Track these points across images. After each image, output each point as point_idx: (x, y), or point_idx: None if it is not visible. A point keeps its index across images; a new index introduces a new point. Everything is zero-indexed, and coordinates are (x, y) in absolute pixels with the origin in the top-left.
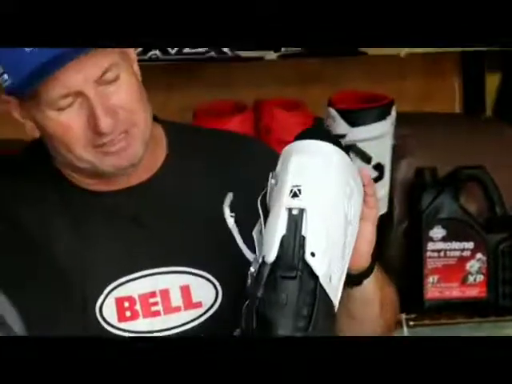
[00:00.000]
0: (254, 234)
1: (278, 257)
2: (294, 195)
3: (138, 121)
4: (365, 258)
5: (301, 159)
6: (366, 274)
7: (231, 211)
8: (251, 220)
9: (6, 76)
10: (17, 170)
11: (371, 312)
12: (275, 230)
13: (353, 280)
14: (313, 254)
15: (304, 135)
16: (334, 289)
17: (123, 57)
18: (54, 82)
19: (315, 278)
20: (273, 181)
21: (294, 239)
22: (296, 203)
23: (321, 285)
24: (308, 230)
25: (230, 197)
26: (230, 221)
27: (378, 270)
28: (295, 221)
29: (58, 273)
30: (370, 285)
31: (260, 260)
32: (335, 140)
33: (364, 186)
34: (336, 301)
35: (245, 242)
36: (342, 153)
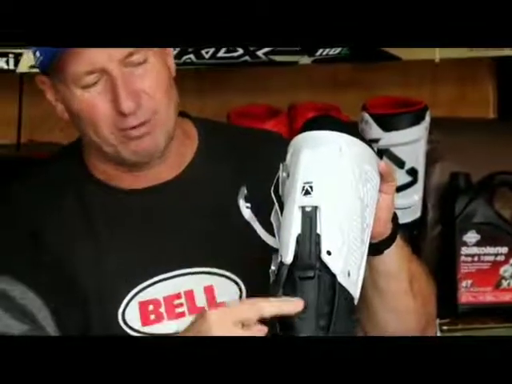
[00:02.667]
0: (273, 219)
1: (295, 257)
2: (306, 193)
3: (161, 109)
4: (383, 226)
5: (310, 153)
6: (386, 242)
7: (246, 202)
8: (268, 209)
9: (38, 53)
10: (48, 171)
11: (397, 286)
12: (290, 230)
13: (374, 249)
14: (329, 253)
15: (312, 125)
16: (353, 283)
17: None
18: (79, 57)
19: (333, 275)
20: (284, 174)
21: (309, 238)
22: (308, 201)
23: (339, 282)
24: (323, 227)
25: (243, 189)
26: (246, 212)
27: (404, 246)
28: (309, 218)
29: (78, 280)
30: (392, 257)
31: (279, 259)
32: (345, 127)
33: (382, 179)
34: (356, 293)
35: (265, 230)
36: (354, 139)
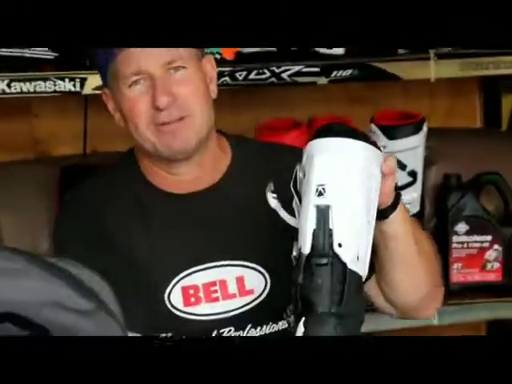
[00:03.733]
0: (294, 206)
1: (312, 247)
2: (320, 194)
3: (193, 113)
4: (387, 197)
5: (323, 158)
6: (391, 208)
7: (273, 193)
8: (290, 201)
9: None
10: (110, 176)
11: (405, 247)
12: (307, 225)
13: (380, 215)
14: (340, 245)
15: (325, 132)
16: (362, 263)
17: (197, 65)
18: (129, 59)
19: (344, 263)
20: (301, 174)
21: (323, 232)
22: (322, 201)
23: (349, 268)
24: (334, 223)
25: (271, 185)
26: (273, 201)
27: (406, 212)
28: (323, 215)
29: (133, 266)
30: (398, 221)
31: (299, 246)
32: (353, 133)
33: (384, 176)
34: (365, 271)
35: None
36: (362, 144)
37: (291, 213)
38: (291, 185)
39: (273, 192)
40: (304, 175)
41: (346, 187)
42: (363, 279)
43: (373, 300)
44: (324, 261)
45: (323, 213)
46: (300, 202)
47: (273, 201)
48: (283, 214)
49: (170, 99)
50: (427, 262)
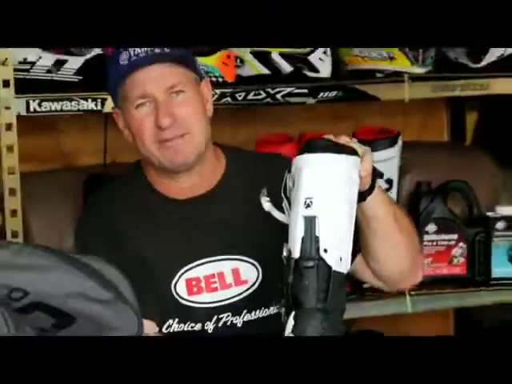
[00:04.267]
0: (284, 206)
1: (300, 252)
2: (308, 206)
3: (192, 131)
4: (364, 180)
5: (310, 173)
6: (368, 190)
7: (266, 197)
8: (281, 203)
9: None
10: (122, 185)
11: (385, 225)
12: (296, 233)
13: (359, 197)
14: (325, 251)
15: (310, 148)
16: (344, 262)
17: (195, 89)
18: (135, 85)
19: (329, 266)
20: (290, 183)
21: (310, 239)
22: (309, 212)
23: (334, 270)
24: (320, 232)
25: (264, 190)
26: (267, 205)
27: (383, 192)
28: (310, 225)
29: (143, 263)
30: (376, 202)
31: (288, 248)
32: (335, 147)
33: (362, 178)
34: (347, 268)
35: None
36: (342, 157)
37: (283, 212)
38: (282, 191)
39: (266, 196)
40: (293, 184)
41: (331, 199)
42: (346, 272)
43: (360, 275)
44: (311, 264)
45: (310, 222)
46: (290, 205)
47: (266, 204)
48: (276, 213)
49: (172, 120)
50: (408, 237)
